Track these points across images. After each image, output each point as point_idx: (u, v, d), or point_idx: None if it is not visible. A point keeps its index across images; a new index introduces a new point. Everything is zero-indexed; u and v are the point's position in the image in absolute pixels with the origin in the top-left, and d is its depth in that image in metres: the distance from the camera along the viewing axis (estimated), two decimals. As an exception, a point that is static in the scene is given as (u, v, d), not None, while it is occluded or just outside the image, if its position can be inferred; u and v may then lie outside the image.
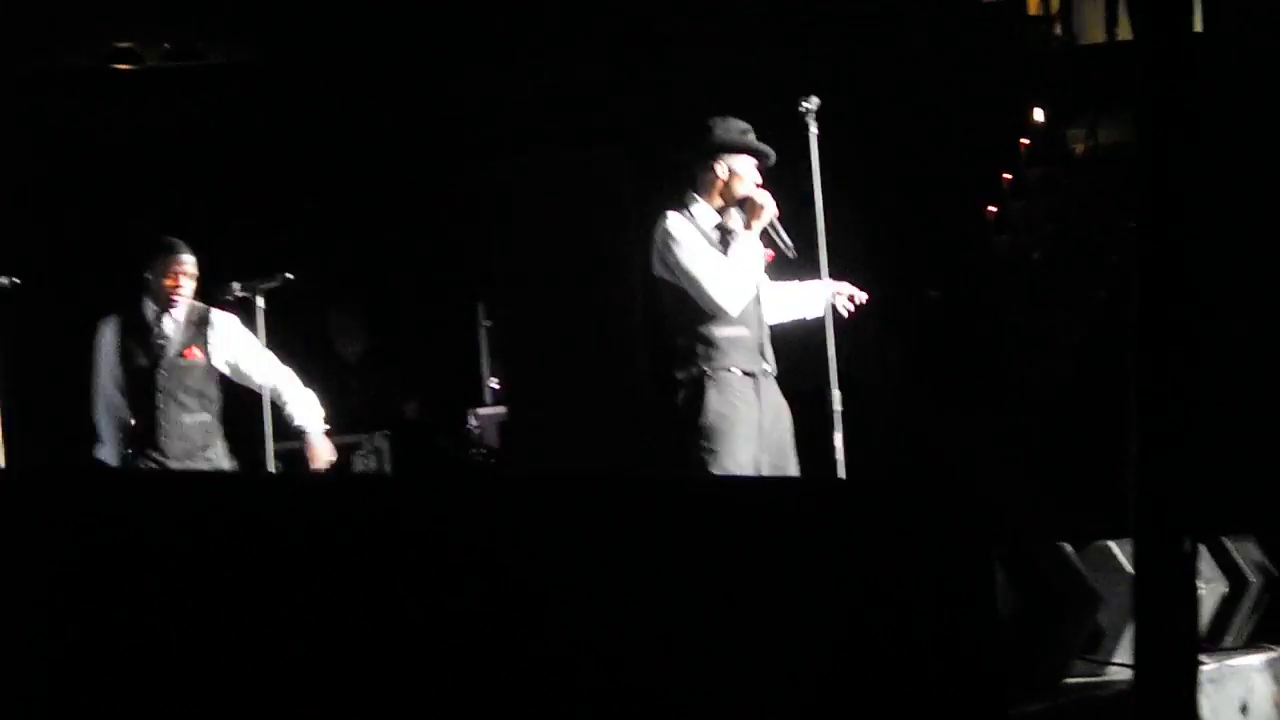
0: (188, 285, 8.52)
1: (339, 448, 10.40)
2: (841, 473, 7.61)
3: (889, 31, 11.50)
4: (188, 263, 8.52)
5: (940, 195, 11.46)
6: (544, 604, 3.83)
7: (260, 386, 8.62)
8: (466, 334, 11.50)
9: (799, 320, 7.77)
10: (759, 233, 7.37)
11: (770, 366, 7.43)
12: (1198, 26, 10.36)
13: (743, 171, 7.38)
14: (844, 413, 7.69)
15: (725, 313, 7.21)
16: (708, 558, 4.13)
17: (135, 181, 11.55)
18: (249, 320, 8.61)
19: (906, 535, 4.68)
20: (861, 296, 7.78)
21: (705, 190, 7.39)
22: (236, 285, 8.64)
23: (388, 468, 10.29)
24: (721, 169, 7.37)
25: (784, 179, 7.70)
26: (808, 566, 4.30)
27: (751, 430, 7.24)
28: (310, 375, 11.11)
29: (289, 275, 8.67)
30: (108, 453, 8.50)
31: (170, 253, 8.51)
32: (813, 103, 7.71)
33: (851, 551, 4.46)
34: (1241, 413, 9.58)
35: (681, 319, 7.32)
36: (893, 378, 11.15)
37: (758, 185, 7.42)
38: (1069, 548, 7.18)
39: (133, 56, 11.97)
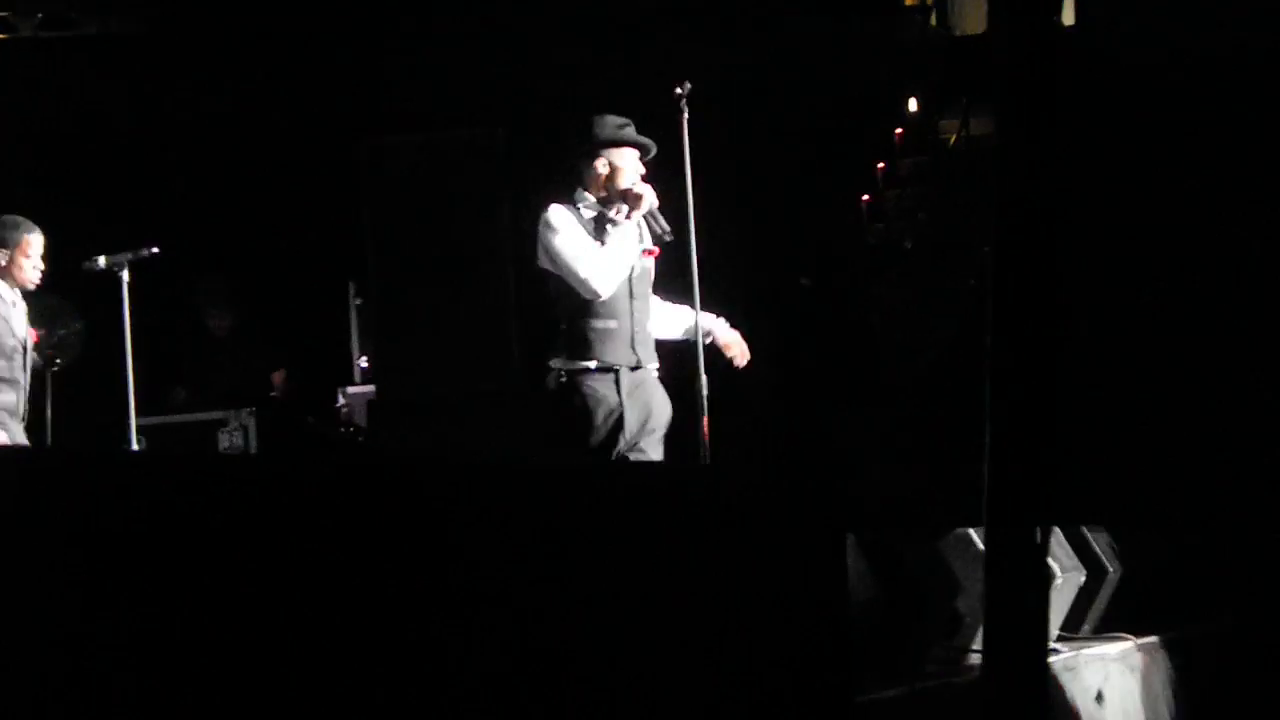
0: (41, 264, 8.45)
1: (206, 424, 10.34)
2: (707, 459, 7.66)
3: (764, 18, 11.54)
4: (40, 243, 8.43)
5: (814, 183, 11.49)
6: (403, 586, 3.82)
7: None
8: (336, 312, 11.43)
9: (677, 340, 7.89)
10: (639, 222, 7.51)
11: (642, 360, 7.55)
12: (1069, 20, 10.48)
13: (624, 164, 7.57)
14: (711, 399, 7.75)
15: (595, 295, 7.37)
16: (560, 542, 4.14)
17: (4, 150, 11.40)
18: (115, 293, 8.52)
19: (760, 521, 4.71)
20: (746, 358, 7.93)
21: (589, 184, 7.57)
22: (102, 259, 8.55)
23: (254, 445, 10.21)
24: (602, 164, 7.56)
25: (656, 164, 7.77)
26: (659, 550, 4.32)
27: (608, 424, 7.39)
28: (177, 350, 11.07)
29: (155, 249, 8.59)
30: None
31: (29, 232, 8.40)
32: (685, 88, 7.79)
33: (704, 536, 4.48)
34: (1104, 404, 9.69)
35: (559, 309, 7.48)
36: (762, 364, 11.18)
37: (641, 176, 7.57)
38: (930, 535, 7.25)
39: (5, 25, 11.80)
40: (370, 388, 10.84)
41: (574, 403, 7.38)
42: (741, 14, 11.48)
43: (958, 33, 14.64)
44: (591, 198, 7.56)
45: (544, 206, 7.57)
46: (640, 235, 7.62)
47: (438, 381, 10.33)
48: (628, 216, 7.47)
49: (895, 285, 11.80)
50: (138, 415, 8.55)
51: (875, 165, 12.28)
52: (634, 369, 7.52)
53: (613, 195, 7.53)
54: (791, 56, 11.43)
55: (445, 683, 3.81)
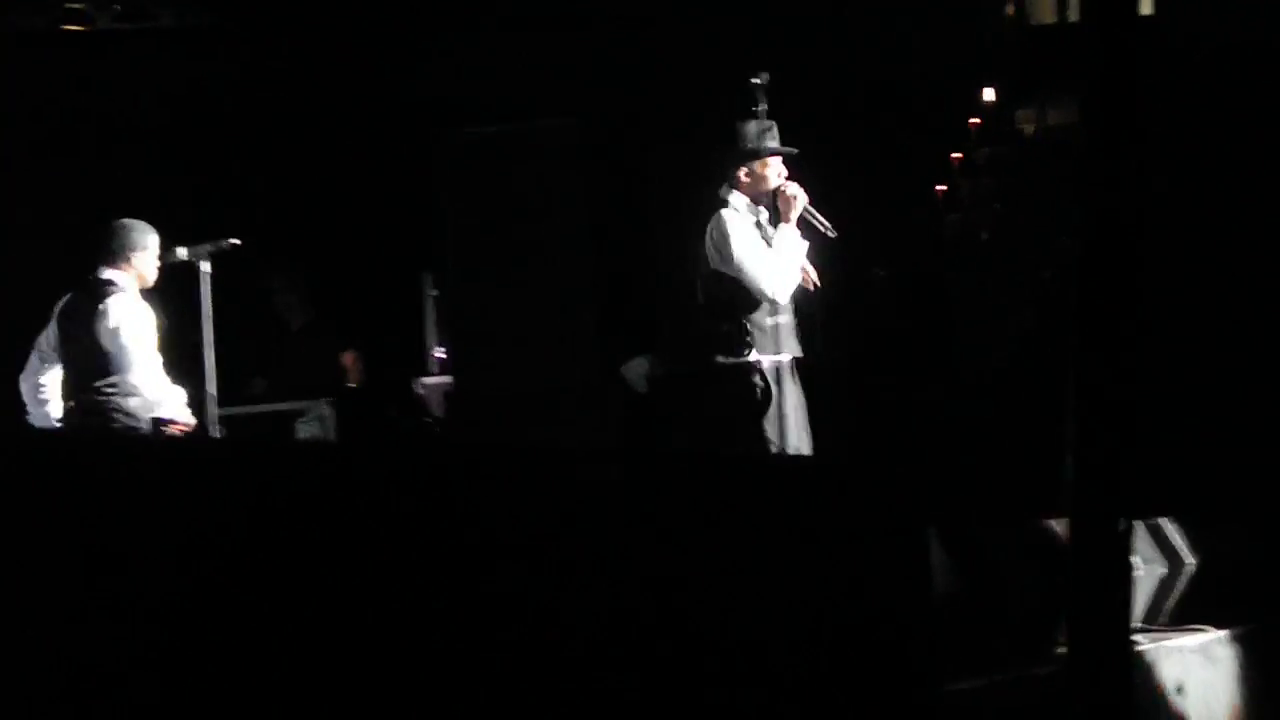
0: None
1: (285, 415, 10.40)
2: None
3: (841, 7, 11.54)
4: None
5: (890, 173, 11.47)
6: (487, 568, 3.84)
7: None
8: (412, 303, 11.47)
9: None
10: (796, 221, 7.84)
11: (799, 350, 7.91)
12: (1147, 10, 10.41)
13: (767, 170, 7.92)
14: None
15: (775, 298, 7.70)
16: (643, 532, 4.15)
17: (85, 143, 11.49)
18: (194, 284, 8.59)
19: (843, 511, 4.71)
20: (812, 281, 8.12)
21: (739, 186, 7.86)
22: (183, 250, 8.62)
23: (333, 435, 10.27)
24: (745, 171, 7.86)
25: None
26: (746, 541, 4.32)
27: (796, 411, 7.74)
28: (254, 341, 11.13)
29: (235, 241, 8.65)
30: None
31: (154, 234, 8.56)
32: (762, 78, 7.95)
33: (789, 528, 4.48)
34: (1181, 394, 9.63)
35: (732, 308, 7.75)
36: (840, 354, 11.17)
37: (785, 177, 7.90)
38: (1011, 526, 7.24)
39: (84, 18, 11.88)
40: (447, 379, 10.87)
41: (767, 395, 7.70)
42: (819, 3, 11.49)
43: (1034, 22, 14.60)
44: (744, 198, 7.85)
45: (714, 213, 7.85)
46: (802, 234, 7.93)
47: (514, 374, 10.35)
48: (785, 219, 7.82)
49: (971, 276, 11.76)
50: (218, 406, 8.61)
51: (951, 155, 12.24)
52: (794, 359, 7.87)
53: (760, 197, 7.87)
54: (868, 46, 11.41)
55: (529, 654, 3.84)
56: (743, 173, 8.02)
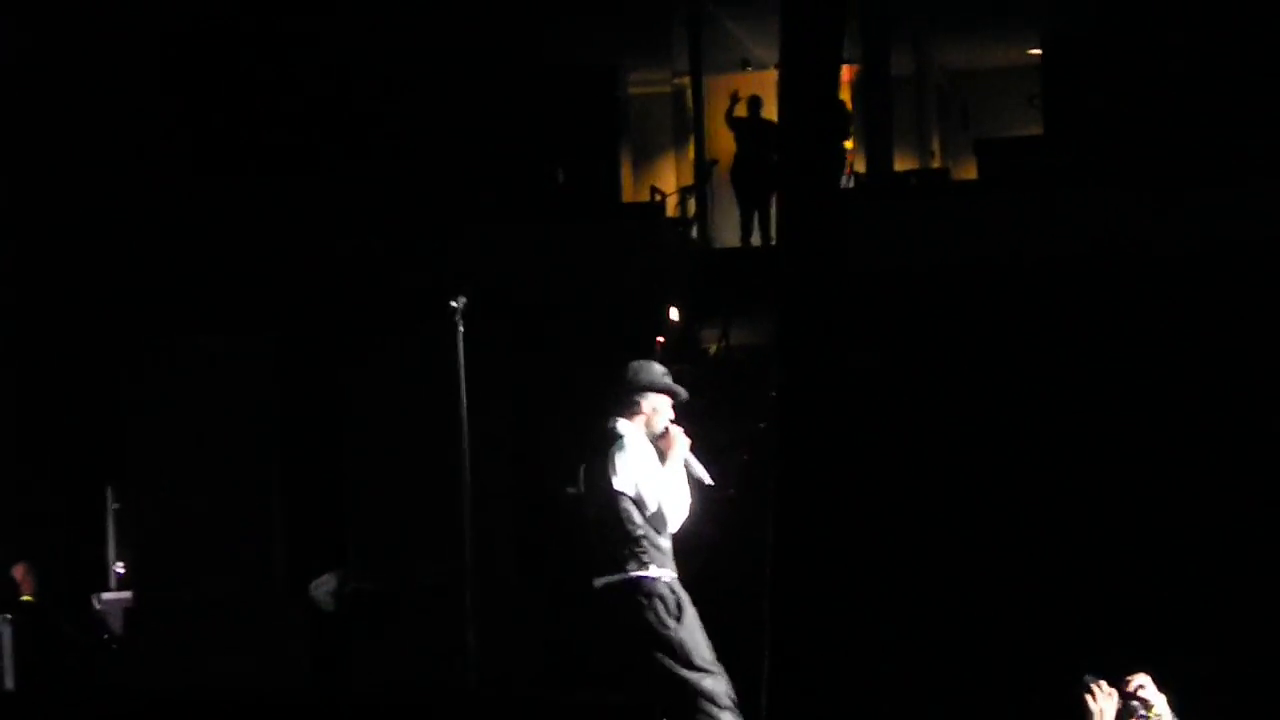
0: None
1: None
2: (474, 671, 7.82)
3: (534, 226, 11.76)
4: None
5: (579, 387, 11.61)
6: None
7: None
8: (94, 515, 11.27)
9: None
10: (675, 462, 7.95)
11: None
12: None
13: (661, 409, 8.00)
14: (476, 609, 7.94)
15: (668, 528, 7.77)
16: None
17: None
18: None
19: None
20: None
21: (631, 419, 7.94)
22: None
23: (8, 652, 9.98)
24: (647, 404, 7.94)
25: (435, 371, 7.98)
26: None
27: (684, 619, 7.82)
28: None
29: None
30: None
31: None
32: (460, 302, 8.08)
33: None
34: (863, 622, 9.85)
35: (638, 526, 7.75)
36: (525, 570, 11.24)
37: (671, 420, 8.02)
38: None
39: None
40: (127, 594, 10.68)
41: (659, 604, 7.74)
42: (511, 220, 11.71)
43: (718, 245, 15.00)
44: (637, 431, 7.95)
45: (616, 438, 7.89)
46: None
47: (198, 590, 10.23)
48: (665, 458, 7.93)
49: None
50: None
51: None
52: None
53: (650, 433, 7.96)
54: (561, 263, 11.62)
55: None
56: (642, 406, 8.22)
